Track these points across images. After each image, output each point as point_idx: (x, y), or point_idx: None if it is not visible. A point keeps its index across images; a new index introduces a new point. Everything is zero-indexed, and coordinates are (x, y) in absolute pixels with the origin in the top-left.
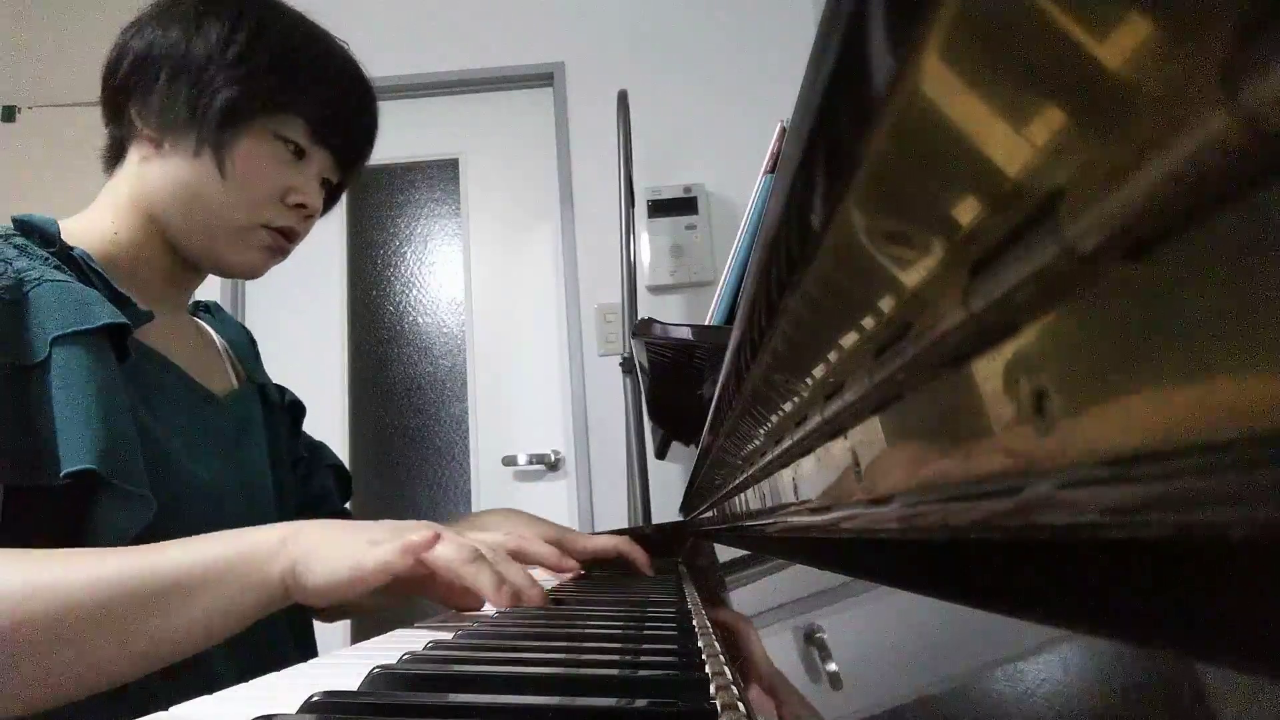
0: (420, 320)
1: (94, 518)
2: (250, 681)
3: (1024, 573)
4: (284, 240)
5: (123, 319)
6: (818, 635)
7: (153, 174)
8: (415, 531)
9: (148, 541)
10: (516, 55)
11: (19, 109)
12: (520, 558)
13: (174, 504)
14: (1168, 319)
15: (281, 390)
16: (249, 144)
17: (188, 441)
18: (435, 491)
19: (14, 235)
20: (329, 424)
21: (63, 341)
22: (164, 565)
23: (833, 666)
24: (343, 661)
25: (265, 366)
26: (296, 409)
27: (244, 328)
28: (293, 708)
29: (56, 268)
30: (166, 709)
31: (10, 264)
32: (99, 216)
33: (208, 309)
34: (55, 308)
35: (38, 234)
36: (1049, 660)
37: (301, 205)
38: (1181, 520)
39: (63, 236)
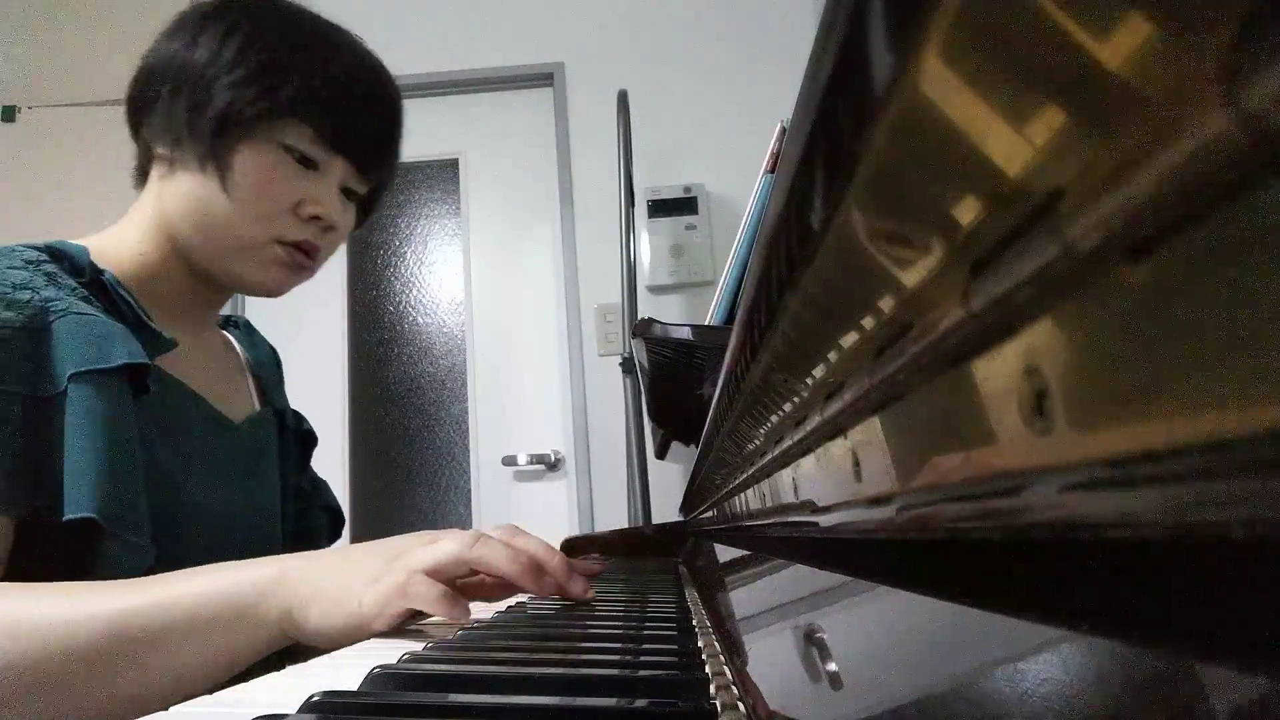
0: (420, 320)
1: (99, 554)
2: (249, 681)
3: (1024, 573)
4: (303, 256)
5: (142, 358)
6: (818, 635)
7: (168, 193)
8: (411, 546)
9: (157, 572)
10: (516, 55)
11: (19, 109)
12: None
13: (183, 535)
14: (1168, 319)
15: (299, 418)
16: (251, 155)
17: (201, 471)
18: (435, 491)
19: (45, 262)
20: (329, 424)
21: (79, 379)
22: (148, 606)
23: (833, 666)
24: (343, 661)
25: None
26: (309, 440)
27: (272, 349)
28: (293, 708)
29: (84, 298)
30: (166, 709)
31: (38, 292)
32: (128, 236)
33: (237, 324)
34: (76, 342)
35: (68, 261)
36: (1049, 660)
37: (317, 217)
38: (1182, 520)
39: (92, 256)
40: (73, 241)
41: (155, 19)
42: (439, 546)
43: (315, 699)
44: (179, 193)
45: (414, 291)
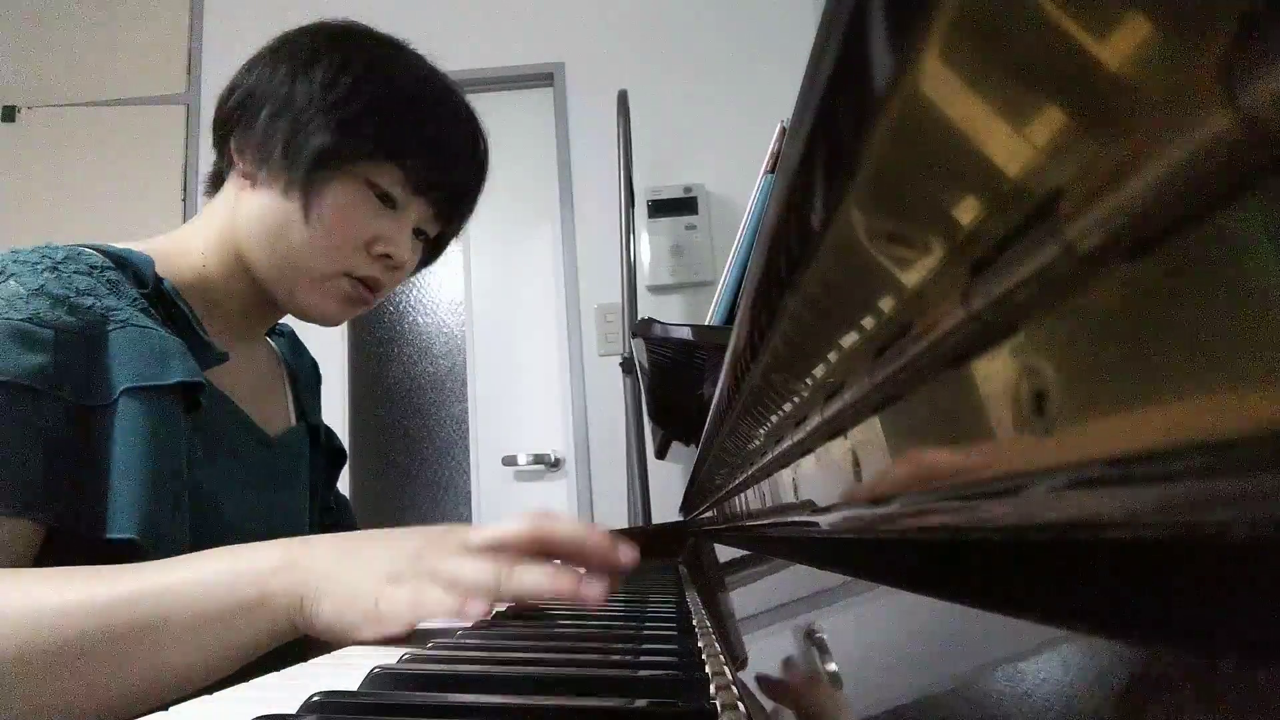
0: (420, 320)
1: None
2: (250, 681)
3: (1024, 573)
4: (366, 290)
5: (198, 376)
6: (818, 635)
7: (244, 208)
8: (436, 554)
9: None
10: (516, 55)
11: (19, 109)
12: (547, 547)
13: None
14: (1168, 319)
15: (330, 434)
16: (338, 189)
17: (237, 487)
18: (435, 491)
19: (110, 269)
20: (329, 425)
21: (133, 393)
22: (142, 594)
23: (833, 666)
24: (343, 661)
25: None
26: (339, 456)
27: (314, 362)
28: (293, 708)
29: (144, 310)
30: (166, 709)
31: (100, 300)
32: (193, 243)
33: (283, 333)
34: (132, 355)
35: (133, 271)
36: (1049, 660)
37: (387, 255)
38: (1182, 520)
39: (156, 261)
40: (138, 250)
41: (155, 19)
42: (472, 571)
43: (315, 699)
44: (255, 210)
45: (414, 291)
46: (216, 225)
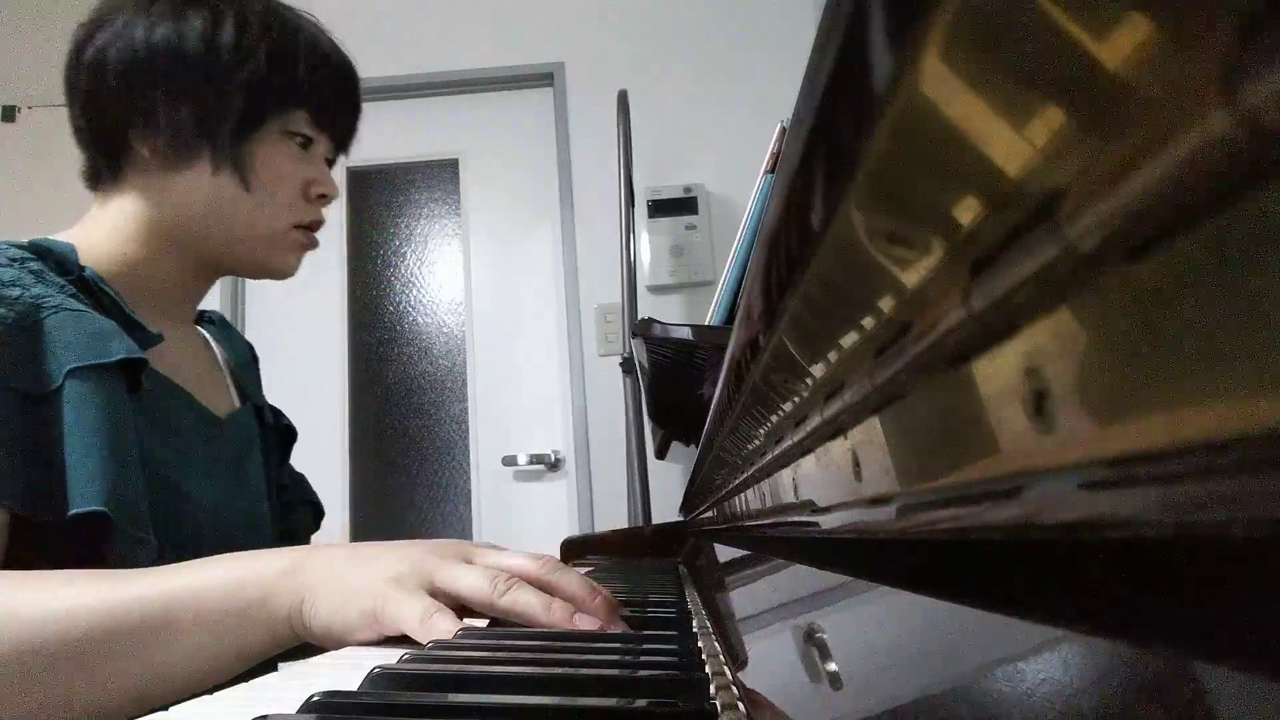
0: (420, 320)
1: (106, 552)
2: (249, 681)
3: (1024, 573)
4: (312, 234)
5: (140, 354)
6: (818, 635)
7: (171, 197)
8: (439, 561)
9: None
10: (516, 55)
11: (19, 109)
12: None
13: (184, 531)
14: (1168, 319)
15: (276, 413)
16: (265, 150)
17: (195, 467)
18: (435, 492)
19: (30, 259)
20: (329, 424)
21: (77, 374)
22: (151, 596)
23: (833, 666)
24: (343, 661)
25: (266, 368)
26: (289, 434)
27: (248, 344)
28: (293, 708)
29: (73, 295)
30: (166, 709)
31: (27, 290)
32: (104, 239)
33: (212, 320)
34: (71, 339)
35: (54, 259)
36: (1049, 660)
37: (324, 195)
38: (1182, 520)
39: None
40: (58, 239)
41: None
42: (469, 579)
43: (315, 699)
44: (189, 196)
45: (414, 291)
46: (135, 218)
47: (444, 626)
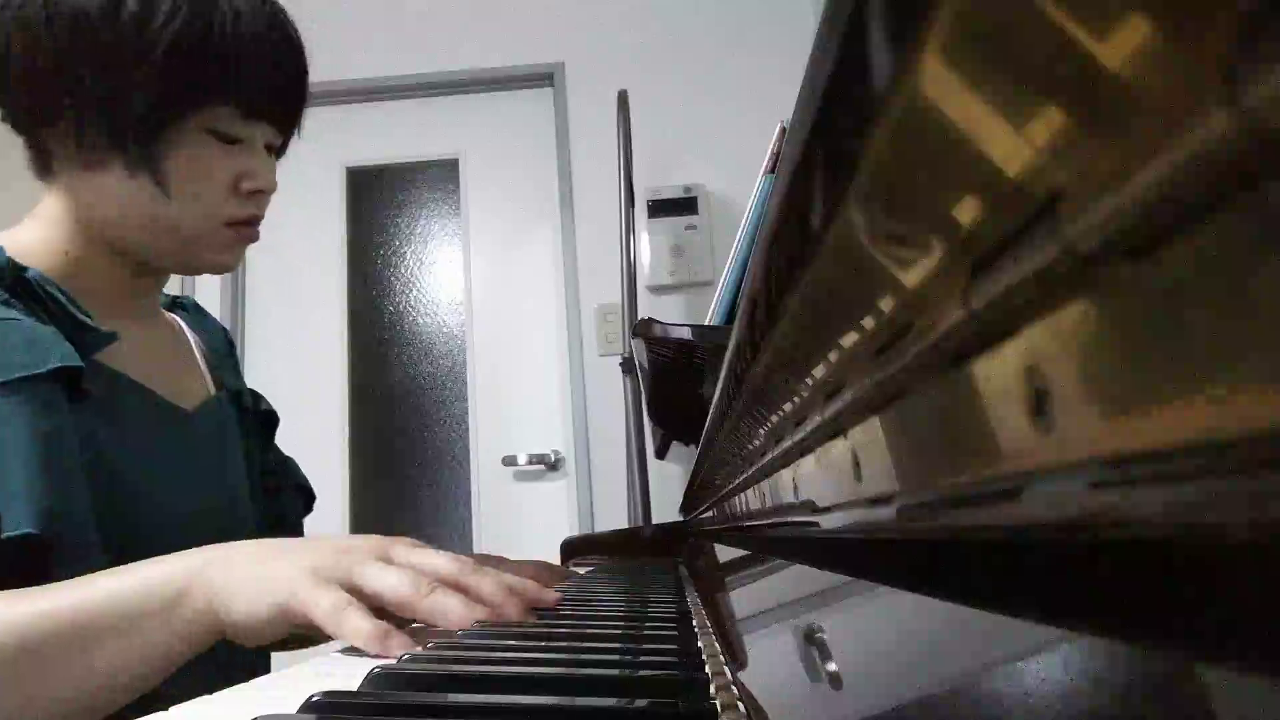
0: (420, 320)
1: (48, 569)
2: (250, 681)
3: (1024, 573)
4: (249, 229)
5: (74, 360)
6: (818, 635)
7: (91, 196)
8: (360, 557)
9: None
10: (516, 55)
11: None
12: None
13: (144, 531)
14: (1168, 319)
15: (256, 397)
16: (182, 151)
17: (158, 466)
18: (435, 491)
19: None
20: (328, 425)
21: (4, 388)
22: (64, 608)
23: (833, 666)
24: (343, 662)
25: (266, 368)
26: (271, 419)
27: (222, 328)
28: (293, 708)
29: (4, 302)
30: (166, 709)
31: None
32: (46, 234)
33: (184, 306)
34: None
35: None
36: (1049, 660)
37: (258, 190)
38: (1182, 520)
39: (9, 254)
40: None
41: None
42: (390, 579)
43: (315, 699)
44: (108, 197)
45: (414, 291)
46: (67, 213)
47: (357, 622)
